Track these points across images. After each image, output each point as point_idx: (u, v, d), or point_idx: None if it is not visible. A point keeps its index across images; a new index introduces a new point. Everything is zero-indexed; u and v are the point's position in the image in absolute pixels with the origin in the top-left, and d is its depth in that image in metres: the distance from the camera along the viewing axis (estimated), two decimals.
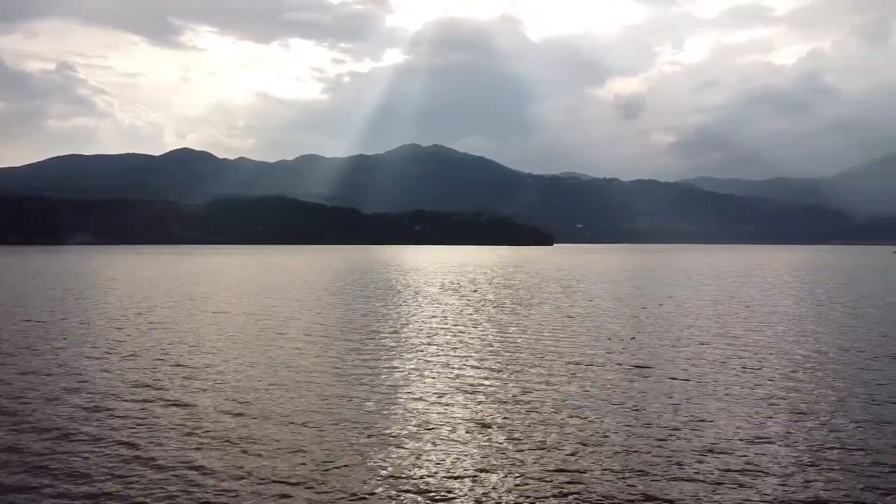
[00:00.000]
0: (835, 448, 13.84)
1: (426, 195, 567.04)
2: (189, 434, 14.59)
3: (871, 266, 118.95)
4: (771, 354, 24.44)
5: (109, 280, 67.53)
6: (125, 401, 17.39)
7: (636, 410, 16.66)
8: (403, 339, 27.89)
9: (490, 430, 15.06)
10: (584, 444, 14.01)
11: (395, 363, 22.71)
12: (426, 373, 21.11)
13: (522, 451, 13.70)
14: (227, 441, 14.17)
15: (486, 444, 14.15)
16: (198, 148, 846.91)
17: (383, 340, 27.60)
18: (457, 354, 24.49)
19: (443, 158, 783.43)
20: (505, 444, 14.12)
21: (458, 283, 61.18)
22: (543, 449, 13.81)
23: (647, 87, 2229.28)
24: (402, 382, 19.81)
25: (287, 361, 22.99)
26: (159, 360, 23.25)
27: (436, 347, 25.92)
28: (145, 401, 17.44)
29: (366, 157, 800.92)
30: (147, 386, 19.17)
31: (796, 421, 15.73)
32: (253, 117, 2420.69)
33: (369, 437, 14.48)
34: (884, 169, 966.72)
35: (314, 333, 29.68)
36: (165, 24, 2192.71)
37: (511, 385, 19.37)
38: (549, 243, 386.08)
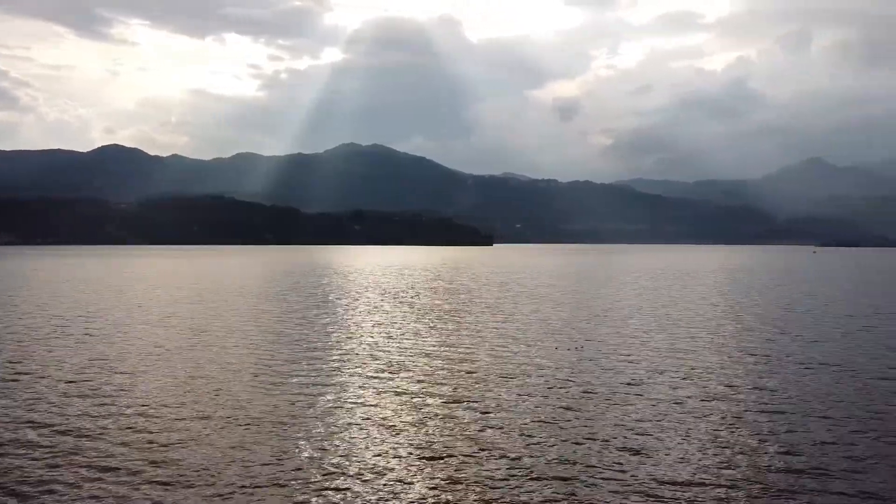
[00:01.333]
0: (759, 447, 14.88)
1: (366, 195, 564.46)
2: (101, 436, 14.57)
3: (796, 264, 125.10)
4: (714, 357, 25.66)
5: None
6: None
7: (568, 419, 17.39)
8: (337, 351, 26.44)
9: (417, 439, 15.19)
10: (509, 446, 14.64)
11: (323, 377, 21.68)
12: (357, 388, 20.16)
13: (446, 458, 14.04)
14: (143, 445, 14.42)
15: (409, 453, 14.32)
16: (128, 144, 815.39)
17: (312, 352, 25.83)
18: (390, 368, 23.37)
19: (383, 158, 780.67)
20: (425, 447, 14.51)
21: (397, 288, 58.62)
22: (467, 457, 14.07)
23: (584, 90, 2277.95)
24: (325, 393, 19.34)
25: (193, 381, 20.59)
26: (43, 377, 21.00)
27: (369, 360, 24.39)
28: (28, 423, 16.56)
29: (305, 155, 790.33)
30: (36, 403, 18.27)
31: (726, 423, 16.77)
32: (186, 114, 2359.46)
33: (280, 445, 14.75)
34: (804, 172, 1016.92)
35: (234, 345, 27.28)
36: (93, 16, 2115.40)
37: (440, 392, 19.58)
38: (490, 243, 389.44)
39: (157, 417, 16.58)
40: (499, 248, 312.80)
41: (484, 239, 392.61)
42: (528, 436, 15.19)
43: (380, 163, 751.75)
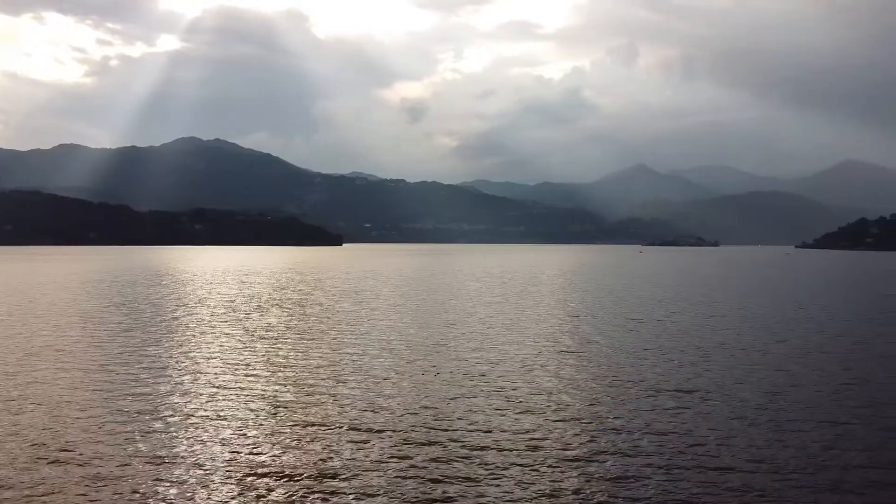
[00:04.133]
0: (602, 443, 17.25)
1: (207, 192, 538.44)
2: None
3: (626, 263, 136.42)
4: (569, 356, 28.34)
5: None
6: None
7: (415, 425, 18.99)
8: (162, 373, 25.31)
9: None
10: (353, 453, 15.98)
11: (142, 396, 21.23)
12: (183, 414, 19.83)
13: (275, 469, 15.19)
14: None
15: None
16: None
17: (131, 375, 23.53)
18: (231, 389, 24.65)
19: (226, 154, 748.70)
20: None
21: (235, 300, 51.76)
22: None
23: (431, 92, 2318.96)
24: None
25: None
26: None
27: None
28: None
29: (138, 149, 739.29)
30: None
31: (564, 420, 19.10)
32: None
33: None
34: (632, 177, 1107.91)
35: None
36: None
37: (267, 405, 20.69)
38: (339, 243, 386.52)
39: None
40: (349, 249, 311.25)
41: (333, 239, 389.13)
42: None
43: (222, 159, 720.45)
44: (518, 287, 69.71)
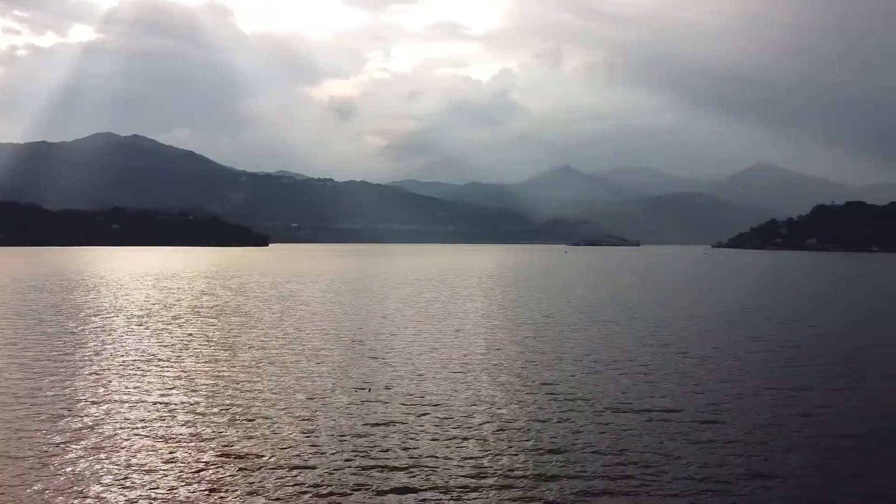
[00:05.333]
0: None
1: (125, 190, 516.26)
2: None
3: (555, 262, 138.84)
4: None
5: None
6: None
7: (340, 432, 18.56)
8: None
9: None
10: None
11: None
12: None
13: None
14: None
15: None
16: None
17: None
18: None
19: (145, 151, 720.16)
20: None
21: (149, 307, 49.00)
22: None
23: (359, 90, 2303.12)
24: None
25: None
26: None
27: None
28: None
29: (49, 144, 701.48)
30: None
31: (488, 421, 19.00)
32: None
33: None
34: (558, 178, 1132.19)
35: None
36: None
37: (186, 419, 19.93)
38: (265, 243, 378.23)
39: None
40: (275, 249, 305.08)
41: (259, 239, 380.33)
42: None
43: (141, 155, 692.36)
44: (449, 291, 69.74)
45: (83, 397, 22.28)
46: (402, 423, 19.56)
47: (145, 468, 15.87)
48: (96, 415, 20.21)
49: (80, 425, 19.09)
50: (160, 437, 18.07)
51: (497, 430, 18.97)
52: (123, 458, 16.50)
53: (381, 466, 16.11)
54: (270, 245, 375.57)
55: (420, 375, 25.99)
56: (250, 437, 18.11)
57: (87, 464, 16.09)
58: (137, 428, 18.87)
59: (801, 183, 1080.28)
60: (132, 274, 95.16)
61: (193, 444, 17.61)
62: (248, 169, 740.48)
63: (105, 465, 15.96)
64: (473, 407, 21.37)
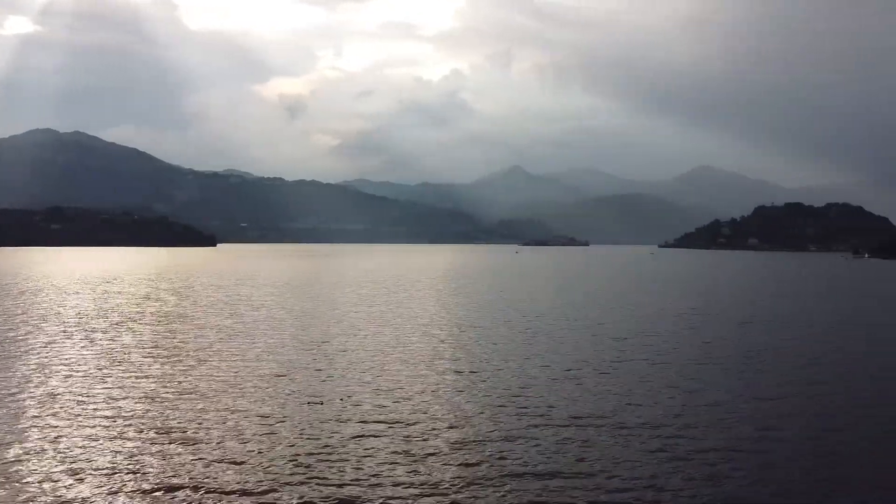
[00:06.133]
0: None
1: (66, 189, 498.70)
2: None
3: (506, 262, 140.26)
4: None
5: None
6: None
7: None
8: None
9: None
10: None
11: None
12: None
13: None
14: None
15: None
16: None
17: None
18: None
19: (86, 148, 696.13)
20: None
21: (86, 315, 46.87)
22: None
23: (310, 89, 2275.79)
24: None
25: None
26: None
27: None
28: None
29: None
30: None
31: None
32: None
33: None
34: (507, 179, 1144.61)
35: None
36: None
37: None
38: (213, 244, 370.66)
39: None
40: (223, 250, 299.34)
41: (206, 239, 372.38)
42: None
43: (82, 153, 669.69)
44: (403, 294, 69.55)
45: None
46: (358, 438, 19.11)
47: None
48: (7, 431, 19.65)
49: None
50: (84, 465, 16.87)
51: (455, 446, 18.80)
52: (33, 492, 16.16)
53: (335, 484, 15.96)
54: (219, 245, 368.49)
55: (375, 387, 25.51)
56: (191, 461, 17.33)
57: None
58: (51, 455, 17.44)
59: (741, 184, 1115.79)
60: (69, 277, 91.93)
61: (120, 475, 16.33)
62: (196, 167, 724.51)
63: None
64: (432, 421, 21.00)
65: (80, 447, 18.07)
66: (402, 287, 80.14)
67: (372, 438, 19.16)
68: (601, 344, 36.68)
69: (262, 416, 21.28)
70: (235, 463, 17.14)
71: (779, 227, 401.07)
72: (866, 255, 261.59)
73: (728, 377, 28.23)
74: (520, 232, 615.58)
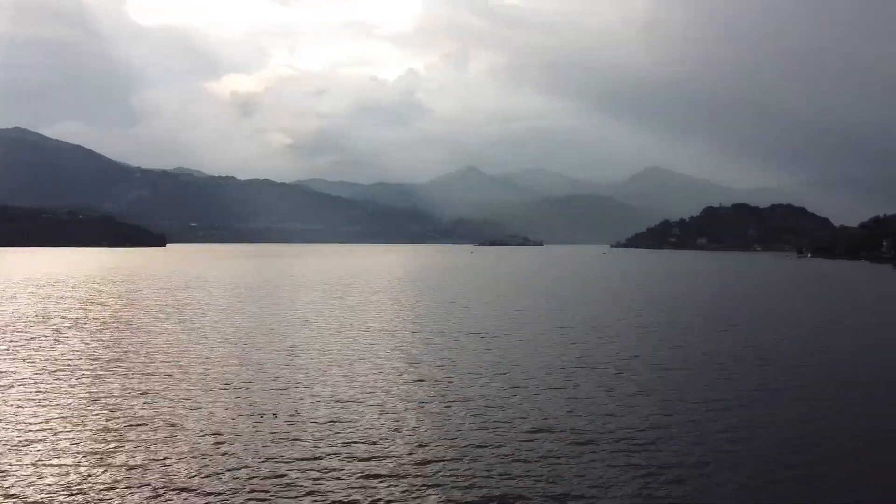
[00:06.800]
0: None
1: (6, 187, 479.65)
2: None
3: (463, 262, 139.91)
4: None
5: None
6: None
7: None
8: None
9: None
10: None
11: None
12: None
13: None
14: None
15: None
16: None
17: None
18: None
19: (28, 145, 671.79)
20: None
21: (27, 314, 46.40)
22: None
23: (263, 87, 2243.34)
24: None
25: None
26: None
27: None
28: None
29: None
30: None
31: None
32: None
33: None
34: (463, 179, 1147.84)
35: None
36: None
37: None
38: (163, 244, 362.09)
39: None
40: (173, 250, 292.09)
41: (155, 239, 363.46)
42: None
43: (24, 150, 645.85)
44: (358, 297, 68.29)
45: None
46: (312, 453, 18.33)
47: None
48: None
49: None
50: (21, 487, 15.96)
51: (418, 462, 18.10)
52: None
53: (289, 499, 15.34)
54: (168, 245, 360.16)
55: (331, 398, 24.47)
56: (135, 480, 16.39)
57: None
58: None
59: (690, 185, 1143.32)
60: (8, 279, 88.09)
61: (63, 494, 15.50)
62: (145, 166, 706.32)
63: None
64: (392, 433, 20.21)
65: (6, 474, 16.65)
66: (359, 289, 78.78)
67: (324, 448, 18.45)
68: (562, 347, 36.34)
69: (207, 429, 20.24)
70: (181, 490, 15.91)
71: (726, 227, 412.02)
72: (809, 255, 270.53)
73: (691, 381, 28.12)
74: (475, 232, 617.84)
